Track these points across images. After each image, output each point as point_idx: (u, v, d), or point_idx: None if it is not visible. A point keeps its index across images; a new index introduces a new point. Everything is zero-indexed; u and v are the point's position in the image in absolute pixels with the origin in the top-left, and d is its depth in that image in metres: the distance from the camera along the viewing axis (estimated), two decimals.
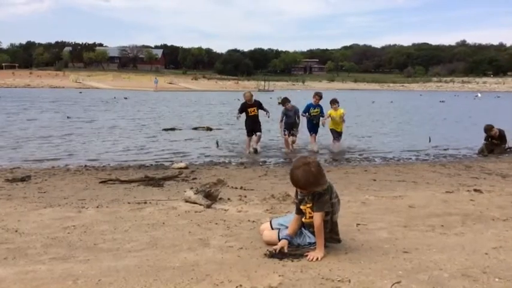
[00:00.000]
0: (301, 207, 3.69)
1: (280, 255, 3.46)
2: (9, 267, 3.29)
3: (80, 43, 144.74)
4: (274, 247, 3.54)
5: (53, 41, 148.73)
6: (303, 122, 12.39)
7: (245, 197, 5.91)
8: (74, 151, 11.81)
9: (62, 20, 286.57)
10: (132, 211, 5.04)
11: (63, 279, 3.06)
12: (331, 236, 3.66)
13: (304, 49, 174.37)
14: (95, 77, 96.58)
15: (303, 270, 3.20)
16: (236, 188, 6.74)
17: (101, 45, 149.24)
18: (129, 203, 5.50)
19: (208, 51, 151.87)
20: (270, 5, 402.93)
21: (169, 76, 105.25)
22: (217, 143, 13.38)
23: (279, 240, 3.67)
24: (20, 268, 3.28)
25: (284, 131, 12.01)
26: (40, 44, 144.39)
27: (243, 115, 12.05)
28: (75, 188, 6.81)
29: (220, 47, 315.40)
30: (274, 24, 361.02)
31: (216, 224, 4.52)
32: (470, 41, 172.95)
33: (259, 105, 12.07)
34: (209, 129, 17.49)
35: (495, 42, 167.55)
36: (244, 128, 12.22)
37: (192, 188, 5.79)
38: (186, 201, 5.43)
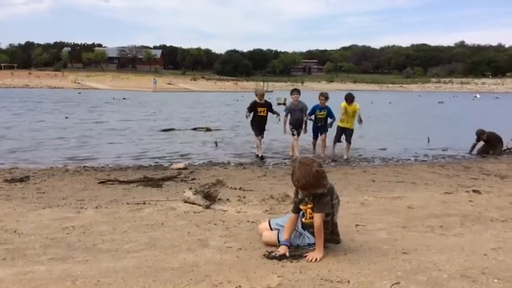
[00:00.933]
0: (302, 207, 3.69)
1: (279, 256, 3.46)
2: (8, 268, 3.29)
3: (79, 43, 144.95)
4: (276, 252, 3.51)
5: (51, 42, 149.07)
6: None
7: (244, 197, 5.91)
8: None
9: (61, 21, 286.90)
10: (131, 212, 5.03)
11: (62, 279, 3.06)
12: (332, 237, 3.66)
13: (303, 50, 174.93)
14: (93, 77, 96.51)
15: (302, 271, 3.20)
16: (235, 188, 6.74)
17: (99, 45, 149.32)
18: (128, 203, 5.50)
19: (207, 52, 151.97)
20: (269, 6, 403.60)
21: (168, 77, 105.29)
22: (216, 143, 13.37)
23: (279, 241, 3.67)
24: (19, 269, 3.28)
25: (292, 130, 11.10)
26: (39, 45, 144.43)
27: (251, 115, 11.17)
28: (74, 188, 6.80)
29: (219, 48, 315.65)
30: (273, 24, 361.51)
31: (215, 224, 4.52)
32: (469, 41, 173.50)
33: (269, 107, 11.30)
34: (208, 129, 17.48)
35: (494, 43, 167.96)
36: (251, 128, 11.37)
37: (191, 189, 5.79)
38: (185, 202, 5.43)
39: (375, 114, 24.66)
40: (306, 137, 12.05)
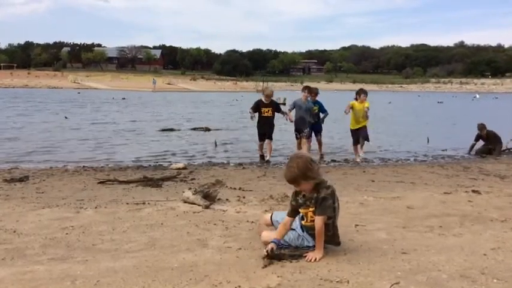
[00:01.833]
0: (302, 210, 3.68)
1: (278, 256, 3.44)
2: (7, 268, 3.29)
3: (79, 43, 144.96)
4: (268, 247, 3.50)
5: (51, 41, 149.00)
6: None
7: (243, 197, 5.91)
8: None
9: (60, 20, 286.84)
10: (131, 212, 5.03)
11: (62, 279, 3.06)
12: (333, 239, 3.66)
13: (303, 50, 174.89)
14: (93, 77, 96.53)
15: (302, 271, 3.20)
16: (235, 188, 6.74)
17: (99, 45, 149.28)
18: (127, 203, 5.50)
19: (207, 52, 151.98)
20: (268, 6, 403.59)
21: (167, 76, 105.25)
22: (215, 143, 13.37)
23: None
24: (18, 269, 3.28)
25: (295, 133, 10.82)
26: (38, 44, 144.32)
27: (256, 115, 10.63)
28: (73, 188, 6.79)
29: (219, 48, 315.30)
30: (273, 24, 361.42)
31: (215, 224, 4.52)
32: (469, 42, 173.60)
33: (275, 107, 10.67)
34: (207, 129, 17.48)
35: (493, 43, 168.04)
36: (257, 130, 10.78)
37: (190, 189, 5.79)
38: (185, 202, 5.43)
39: (374, 114, 24.64)
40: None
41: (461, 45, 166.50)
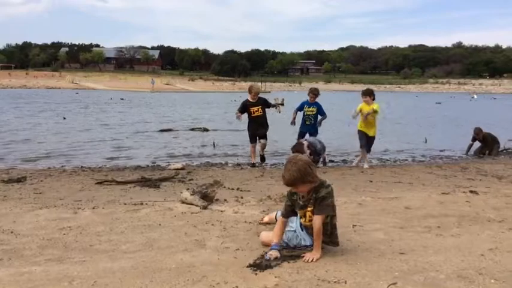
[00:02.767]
0: (299, 211, 3.68)
1: (274, 260, 3.41)
2: (4, 269, 3.28)
3: (77, 44, 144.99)
4: (269, 255, 3.44)
5: (49, 42, 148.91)
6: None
7: (241, 198, 5.91)
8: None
9: (58, 21, 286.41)
10: (128, 212, 5.03)
11: (59, 280, 3.06)
12: (332, 239, 3.66)
13: (301, 50, 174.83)
14: (91, 77, 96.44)
15: (299, 271, 3.20)
16: (233, 189, 6.74)
17: (97, 45, 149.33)
18: (125, 204, 5.49)
19: (205, 52, 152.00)
20: (266, 6, 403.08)
21: (166, 77, 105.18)
22: (214, 143, 13.37)
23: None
24: (16, 269, 3.27)
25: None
26: (36, 45, 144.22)
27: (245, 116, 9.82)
28: (71, 189, 6.78)
29: (217, 48, 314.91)
30: (271, 25, 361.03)
31: (213, 225, 4.52)
32: (467, 42, 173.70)
33: (264, 103, 9.75)
34: (206, 130, 17.48)
35: (491, 44, 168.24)
36: (248, 132, 9.94)
37: (188, 189, 5.78)
38: (183, 202, 5.42)
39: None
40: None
41: (459, 45, 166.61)
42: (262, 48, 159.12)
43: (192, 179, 7.69)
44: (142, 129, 17.88)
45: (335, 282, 3.00)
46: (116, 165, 9.71)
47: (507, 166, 9.78)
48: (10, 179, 7.43)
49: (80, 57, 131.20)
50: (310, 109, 10.17)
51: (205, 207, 5.20)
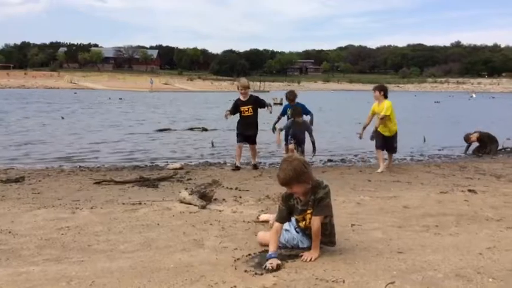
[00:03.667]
0: (297, 216, 3.66)
1: (276, 268, 3.28)
2: (2, 269, 3.27)
3: (75, 44, 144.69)
4: (269, 265, 3.28)
5: (47, 42, 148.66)
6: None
7: (240, 197, 5.91)
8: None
9: (57, 21, 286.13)
10: (127, 212, 5.02)
11: (57, 280, 3.05)
12: (330, 239, 3.66)
13: (300, 50, 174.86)
14: (90, 77, 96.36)
15: (298, 271, 3.20)
16: (231, 188, 6.73)
17: (96, 45, 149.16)
18: (123, 203, 5.48)
19: (204, 52, 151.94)
20: (265, 6, 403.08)
21: (164, 77, 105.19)
22: (212, 143, 13.36)
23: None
24: (13, 269, 3.27)
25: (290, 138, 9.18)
26: (35, 45, 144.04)
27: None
28: (69, 189, 6.78)
29: (216, 48, 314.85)
30: (270, 24, 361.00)
31: (211, 224, 4.52)
32: (465, 42, 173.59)
33: (255, 102, 9.06)
34: (204, 129, 17.48)
35: (490, 43, 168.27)
36: (236, 130, 9.31)
37: (186, 189, 5.78)
38: (181, 202, 5.42)
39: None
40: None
41: (457, 45, 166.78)
42: (260, 48, 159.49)
43: (190, 179, 7.69)
44: (149, 129, 17.81)
45: (333, 281, 3.00)
46: (114, 165, 9.70)
47: (505, 165, 9.78)
48: (8, 179, 7.42)
49: (79, 57, 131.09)
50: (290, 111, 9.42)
51: (203, 207, 5.19)
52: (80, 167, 9.35)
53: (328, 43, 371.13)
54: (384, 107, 8.71)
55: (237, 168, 8.91)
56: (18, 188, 6.82)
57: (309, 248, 3.57)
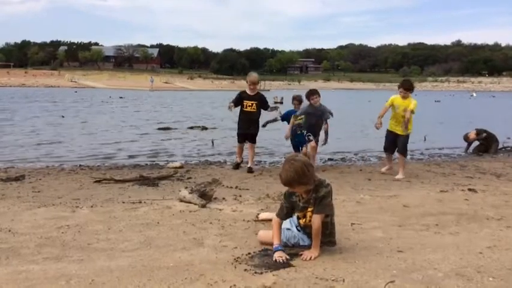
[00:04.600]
0: (298, 213, 3.66)
1: (285, 261, 3.35)
2: (2, 267, 3.27)
3: (75, 42, 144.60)
4: (279, 258, 3.36)
5: (48, 40, 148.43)
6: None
7: (240, 196, 5.91)
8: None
9: (57, 19, 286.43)
10: (127, 211, 5.02)
11: (57, 279, 3.05)
12: (330, 239, 3.65)
13: (300, 49, 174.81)
14: (90, 76, 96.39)
15: (297, 269, 3.20)
16: (231, 187, 6.73)
17: (96, 44, 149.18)
18: (123, 202, 5.48)
19: (204, 51, 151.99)
20: (265, 5, 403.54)
21: (165, 75, 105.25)
22: (212, 142, 13.35)
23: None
24: (13, 268, 3.26)
25: (308, 134, 8.61)
26: (35, 43, 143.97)
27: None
28: (69, 187, 6.77)
29: (216, 47, 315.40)
30: (270, 23, 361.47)
31: (211, 223, 4.51)
32: (466, 41, 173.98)
33: (260, 99, 8.57)
34: (204, 128, 17.47)
35: (490, 42, 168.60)
36: (237, 128, 8.89)
37: (186, 188, 5.78)
38: (181, 201, 5.42)
39: (371, 113, 24.61)
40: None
41: (458, 44, 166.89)
42: (261, 47, 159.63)
43: (190, 178, 7.68)
44: (150, 128, 17.78)
45: (333, 280, 2.99)
46: (115, 164, 9.70)
47: (506, 164, 9.78)
48: (8, 177, 7.42)
49: (79, 56, 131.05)
50: (299, 118, 8.85)
51: (203, 206, 5.19)
52: (80, 165, 9.34)
53: (328, 42, 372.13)
54: (412, 103, 7.84)
55: (237, 165, 8.73)
56: (18, 186, 6.82)
57: (309, 247, 3.57)
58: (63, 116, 21.84)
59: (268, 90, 69.61)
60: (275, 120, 9.27)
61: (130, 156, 10.98)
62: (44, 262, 3.40)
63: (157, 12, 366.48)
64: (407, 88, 7.94)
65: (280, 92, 48.15)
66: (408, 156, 11.38)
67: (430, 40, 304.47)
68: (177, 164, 9.10)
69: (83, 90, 63.00)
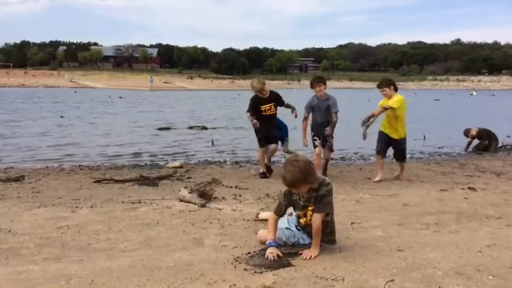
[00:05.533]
0: (299, 212, 3.66)
1: (276, 258, 3.36)
2: (2, 268, 3.27)
3: (75, 42, 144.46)
4: (270, 255, 3.37)
5: (47, 40, 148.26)
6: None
7: (240, 196, 5.91)
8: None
9: (56, 19, 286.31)
10: (126, 211, 5.02)
11: (56, 279, 3.05)
12: (331, 238, 3.65)
13: (300, 48, 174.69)
14: (89, 76, 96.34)
15: (297, 269, 3.20)
16: (231, 187, 6.73)
17: (95, 44, 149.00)
18: (123, 202, 5.49)
19: (204, 50, 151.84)
20: (265, 4, 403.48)
21: (164, 75, 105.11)
22: (212, 142, 13.35)
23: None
24: (13, 268, 3.26)
25: (314, 139, 7.54)
26: (35, 44, 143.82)
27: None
28: (69, 187, 6.77)
29: (216, 46, 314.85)
30: (270, 23, 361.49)
31: (211, 223, 4.51)
32: (465, 39, 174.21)
33: (277, 100, 7.86)
34: (204, 128, 17.48)
35: (490, 41, 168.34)
36: (255, 133, 7.94)
37: (186, 187, 5.79)
38: (181, 201, 5.42)
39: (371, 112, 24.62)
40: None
41: (457, 42, 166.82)
42: (260, 46, 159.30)
43: (190, 177, 7.68)
44: (151, 128, 17.74)
45: (333, 279, 2.99)
46: (114, 164, 9.70)
47: (505, 162, 9.78)
48: (8, 178, 7.42)
49: (78, 56, 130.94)
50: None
51: (203, 206, 5.19)
52: (79, 165, 9.34)
53: (328, 41, 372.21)
54: (393, 99, 7.18)
55: (263, 175, 7.76)
56: (18, 187, 6.82)
57: (309, 246, 3.57)
58: (62, 116, 21.82)
59: None
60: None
61: (130, 156, 10.97)
62: (43, 262, 3.40)
63: (157, 12, 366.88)
64: (379, 86, 7.45)
65: (280, 91, 47.92)
66: (408, 155, 11.42)
67: (429, 39, 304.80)
68: (177, 164, 9.10)
69: (83, 90, 62.97)
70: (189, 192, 5.44)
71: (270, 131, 7.82)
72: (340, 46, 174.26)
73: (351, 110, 28.65)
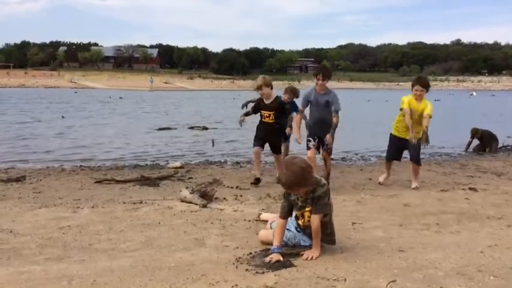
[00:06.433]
0: (297, 212, 3.67)
1: (276, 263, 3.33)
2: (3, 268, 3.28)
3: (75, 43, 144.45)
4: (271, 259, 3.36)
5: (47, 41, 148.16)
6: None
7: (241, 196, 5.92)
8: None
9: (56, 20, 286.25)
10: (128, 211, 5.03)
11: (58, 279, 3.05)
12: (331, 238, 3.66)
13: (300, 48, 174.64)
14: (90, 76, 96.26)
15: (299, 269, 3.20)
16: (232, 187, 6.73)
17: (95, 44, 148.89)
18: (124, 202, 5.49)
19: (204, 51, 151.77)
20: (265, 4, 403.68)
21: (164, 76, 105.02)
22: (213, 142, 13.34)
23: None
24: (15, 269, 3.27)
25: (308, 139, 6.79)
26: (35, 44, 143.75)
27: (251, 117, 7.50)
28: (70, 188, 6.78)
29: (216, 46, 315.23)
30: (270, 23, 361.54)
31: (212, 223, 4.52)
32: (465, 40, 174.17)
33: (279, 110, 7.04)
34: (205, 128, 17.48)
35: (490, 41, 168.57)
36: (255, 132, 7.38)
37: (187, 188, 5.79)
38: (182, 201, 5.43)
39: (371, 112, 24.72)
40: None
41: (458, 43, 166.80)
42: (260, 47, 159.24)
43: (191, 178, 7.68)
44: (151, 128, 17.74)
45: (334, 280, 3.00)
46: (115, 164, 9.70)
47: (506, 163, 9.79)
48: (9, 178, 7.42)
49: (79, 56, 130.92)
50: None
51: (204, 206, 5.20)
52: (80, 166, 9.34)
53: (328, 41, 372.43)
54: (429, 107, 6.68)
55: (257, 180, 7.05)
56: (19, 187, 6.82)
57: (310, 247, 3.57)
58: (63, 117, 21.81)
59: None
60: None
61: (131, 157, 10.97)
62: (45, 263, 3.40)
63: (157, 12, 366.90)
64: (424, 85, 6.75)
65: (280, 91, 47.92)
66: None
67: (429, 39, 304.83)
68: (178, 164, 9.10)
69: (83, 90, 62.93)
70: (190, 193, 5.45)
71: (265, 136, 7.18)
72: (340, 46, 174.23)
73: (351, 110, 28.66)
